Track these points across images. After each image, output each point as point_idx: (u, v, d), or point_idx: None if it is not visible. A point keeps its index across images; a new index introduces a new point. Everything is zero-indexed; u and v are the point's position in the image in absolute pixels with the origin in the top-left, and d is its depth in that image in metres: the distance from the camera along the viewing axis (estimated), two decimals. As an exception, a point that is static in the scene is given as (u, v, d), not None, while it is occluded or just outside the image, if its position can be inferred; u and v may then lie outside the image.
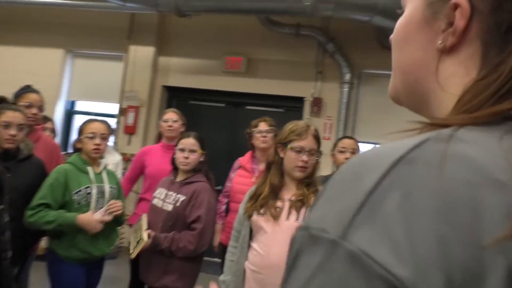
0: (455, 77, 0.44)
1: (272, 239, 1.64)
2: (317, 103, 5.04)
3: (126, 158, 5.18)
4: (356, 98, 5.06)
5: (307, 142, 1.70)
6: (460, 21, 0.42)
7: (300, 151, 1.68)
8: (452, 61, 0.45)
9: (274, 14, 4.45)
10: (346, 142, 2.55)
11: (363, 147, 5.17)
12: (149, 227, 2.12)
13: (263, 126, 2.65)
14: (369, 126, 5.03)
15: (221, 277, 1.86)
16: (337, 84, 5.06)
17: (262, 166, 2.59)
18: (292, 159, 1.70)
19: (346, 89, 4.93)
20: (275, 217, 1.66)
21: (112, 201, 2.18)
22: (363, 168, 0.37)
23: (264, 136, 2.61)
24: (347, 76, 4.94)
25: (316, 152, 1.71)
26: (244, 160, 2.71)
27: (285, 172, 1.75)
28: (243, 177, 2.60)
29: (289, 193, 1.73)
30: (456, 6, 0.42)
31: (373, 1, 3.88)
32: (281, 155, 1.76)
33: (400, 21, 0.50)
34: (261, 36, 5.21)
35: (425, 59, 0.47)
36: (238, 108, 5.57)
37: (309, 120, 5.08)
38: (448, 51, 0.44)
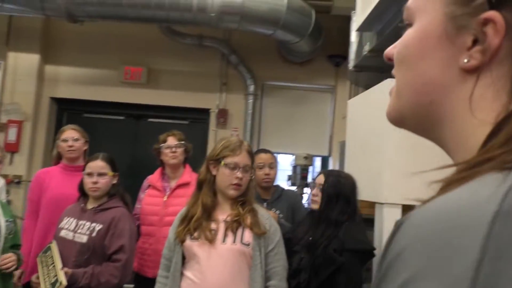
0: (483, 100, 0.40)
1: (208, 265, 1.53)
2: (223, 114, 5.01)
3: (8, 181, 4.52)
4: (260, 109, 5.16)
5: (241, 158, 1.63)
6: (494, 39, 0.38)
7: (234, 167, 1.61)
8: (478, 82, 0.40)
9: (178, 24, 4.31)
10: (263, 157, 2.48)
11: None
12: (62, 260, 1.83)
13: (171, 140, 2.47)
14: (273, 136, 5.16)
15: None
16: (242, 95, 5.10)
17: (173, 184, 2.45)
18: (226, 177, 1.61)
19: (250, 100, 5.00)
20: (211, 241, 1.55)
21: (4, 256, 1.83)
22: (453, 231, 0.31)
23: (174, 152, 2.44)
24: (251, 88, 5.01)
25: (250, 168, 1.65)
26: (153, 178, 2.51)
27: (218, 191, 1.66)
28: (154, 197, 2.40)
29: (224, 213, 1.64)
30: (486, 21, 0.38)
31: (277, 15, 4.00)
32: (213, 172, 1.66)
33: (411, 35, 0.45)
34: (162, 46, 5.02)
35: (445, 78, 0.42)
36: (140, 120, 5.27)
37: (215, 131, 5.03)
38: (473, 70, 0.40)
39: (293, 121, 5.17)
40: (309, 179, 4.59)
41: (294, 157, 4.58)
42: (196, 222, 1.59)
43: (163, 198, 2.40)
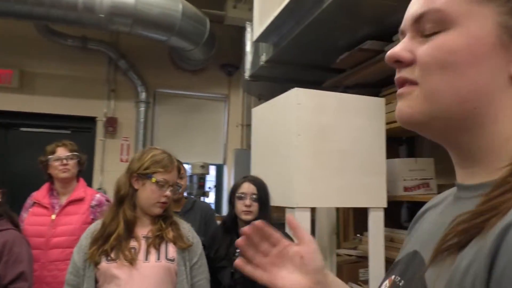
0: None
1: (130, 287, 1.39)
2: (112, 123, 4.68)
3: None
4: (152, 117, 4.95)
5: (172, 176, 1.52)
6: None
7: (163, 185, 1.50)
8: None
9: (60, 23, 3.89)
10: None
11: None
12: None
13: (62, 151, 2.19)
14: (167, 145, 4.98)
15: None
16: (133, 103, 4.83)
17: (64, 200, 2.18)
18: (153, 194, 1.48)
19: (142, 108, 4.76)
20: (132, 261, 1.41)
21: None
22: None
23: (65, 164, 2.17)
24: (143, 95, 4.78)
25: (176, 185, 1.55)
26: (39, 194, 2.18)
27: (138, 206, 1.51)
28: (39, 216, 2.09)
29: (143, 229, 1.50)
30: None
31: (172, 21, 3.89)
32: (136, 186, 1.51)
33: (456, 40, 0.44)
34: (38, 47, 4.49)
35: (493, 86, 0.43)
36: (10, 130, 4.60)
37: (104, 141, 4.67)
38: None
39: (187, 129, 5.08)
40: (206, 188, 4.55)
41: (190, 166, 4.49)
42: (116, 241, 1.43)
43: (51, 217, 2.11)
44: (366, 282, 2.50)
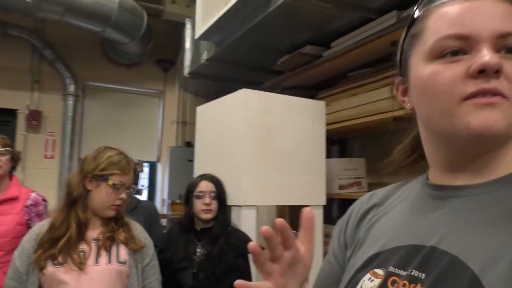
0: None
1: None
2: (36, 116, 4.34)
3: None
4: (81, 112, 4.68)
5: (129, 178, 1.47)
6: None
7: (119, 188, 1.44)
8: None
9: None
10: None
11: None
12: None
13: None
14: (97, 142, 4.75)
15: None
16: (59, 95, 4.53)
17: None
18: (108, 197, 1.41)
19: (70, 102, 4.48)
20: (80, 265, 1.34)
21: None
22: None
23: None
24: (71, 88, 4.50)
25: (131, 187, 1.50)
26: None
27: (89, 208, 1.44)
28: None
29: (94, 231, 1.44)
30: None
31: (108, 12, 3.72)
32: (89, 187, 1.44)
33: None
34: None
35: None
36: None
37: (26, 136, 4.32)
38: None
39: (119, 125, 4.88)
40: (139, 186, 4.42)
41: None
42: (65, 245, 1.35)
43: (-19, 219, 1.94)
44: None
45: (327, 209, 2.63)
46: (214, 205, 1.81)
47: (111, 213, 1.44)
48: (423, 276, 0.50)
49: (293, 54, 3.11)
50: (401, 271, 0.53)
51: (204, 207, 1.79)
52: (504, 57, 0.49)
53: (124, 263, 1.42)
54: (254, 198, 2.10)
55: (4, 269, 1.92)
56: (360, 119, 2.73)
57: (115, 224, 1.45)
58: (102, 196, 1.41)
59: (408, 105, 0.61)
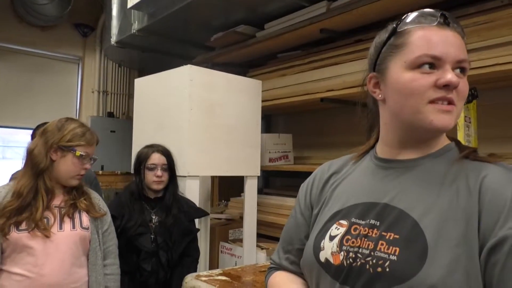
0: None
1: (45, 257, 1.36)
2: None
3: None
4: (-11, 75, 4.28)
5: (93, 149, 1.51)
6: None
7: (84, 158, 1.47)
8: None
9: None
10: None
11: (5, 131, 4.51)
12: None
13: None
14: (8, 108, 4.41)
15: None
16: (-37, 55, 4.08)
17: None
18: (73, 167, 1.45)
19: (-23, 63, 4.07)
20: (45, 231, 1.38)
21: None
22: None
23: None
24: (-22, 48, 4.08)
25: (93, 157, 1.54)
26: None
27: (53, 178, 1.47)
28: None
29: (57, 200, 1.47)
30: None
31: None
32: (54, 158, 1.45)
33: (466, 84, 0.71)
34: None
35: None
36: None
37: None
38: None
39: (32, 92, 4.56)
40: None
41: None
42: (31, 212, 1.37)
43: None
44: (234, 240, 2.85)
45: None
46: (165, 177, 1.92)
47: (75, 182, 1.49)
48: (378, 223, 0.71)
49: (227, 32, 3.23)
50: (361, 221, 0.74)
51: (155, 179, 1.90)
52: (459, 76, 0.70)
53: (87, 228, 1.50)
54: (197, 169, 2.25)
55: None
56: (290, 98, 2.99)
57: (76, 192, 1.51)
58: (67, 167, 1.46)
59: (380, 96, 0.80)
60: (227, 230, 2.90)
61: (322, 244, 0.76)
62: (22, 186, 1.42)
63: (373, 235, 0.70)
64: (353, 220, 0.75)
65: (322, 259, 0.75)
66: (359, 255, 0.70)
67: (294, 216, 0.92)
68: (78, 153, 1.46)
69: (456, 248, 0.62)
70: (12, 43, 4.42)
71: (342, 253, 0.72)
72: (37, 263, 1.37)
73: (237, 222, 2.98)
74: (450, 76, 0.68)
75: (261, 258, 2.50)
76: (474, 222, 0.63)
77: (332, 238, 0.75)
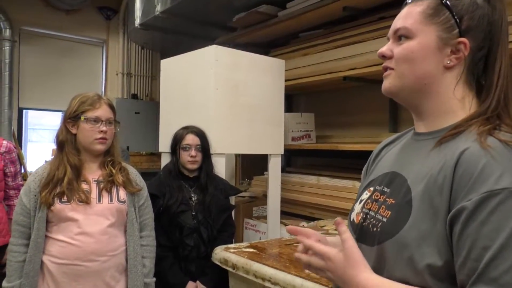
0: (451, 85, 0.77)
1: (86, 227, 1.46)
2: (-31, 62, 4.03)
3: None
4: (18, 58, 4.41)
5: (103, 111, 1.56)
6: (464, 52, 0.75)
7: (96, 121, 1.54)
8: (450, 75, 0.76)
9: None
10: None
11: (34, 114, 4.68)
12: None
13: None
14: (36, 91, 4.56)
15: (6, 284, 1.46)
16: (-6, 40, 4.22)
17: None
18: (88, 132, 1.52)
19: (7, 47, 4.21)
20: (86, 201, 1.48)
21: None
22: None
23: None
24: (7, 32, 4.21)
25: (113, 121, 1.61)
26: None
27: (82, 150, 1.56)
28: None
29: (93, 174, 1.56)
30: (461, 43, 0.74)
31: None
32: (73, 131, 1.54)
33: (415, 45, 0.76)
34: None
35: (435, 71, 0.76)
36: None
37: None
38: (450, 68, 0.76)
39: (59, 74, 4.69)
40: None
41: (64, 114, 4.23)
42: (68, 185, 1.47)
43: None
44: (258, 217, 2.94)
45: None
46: (199, 157, 1.99)
47: (98, 147, 1.56)
48: (387, 190, 0.80)
49: (249, 12, 3.25)
50: (378, 187, 0.83)
51: (190, 159, 1.97)
52: (397, 45, 0.79)
53: (123, 202, 1.59)
54: (223, 147, 2.31)
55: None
56: (312, 77, 3.01)
57: (113, 168, 1.59)
58: (83, 134, 1.54)
59: None
60: (251, 207, 2.98)
61: (354, 206, 0.88)
62: (52, 163, 1.53)
63: (380, 200, 0.80)
64: (376, 187, 0.84)
65: (351, 218, 0.87)
66: (368, 216, 0.81)
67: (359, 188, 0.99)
68: (83, 118, 1.53)
69: (433, 216, 0.67)
70: (39, 27, 4.54)
71: (361, 214, 0.83)
72: (79, 232, 1.47)
73: (261, 199, 3.06)
74: (380, 50, 0.80)
75: (285, 234, 2.57)
76: (446, 194, 0.67)
77: (360, 201, 0.86)
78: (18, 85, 4.39)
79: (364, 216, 0.82)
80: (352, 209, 0.89)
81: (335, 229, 2.29)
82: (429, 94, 0.78)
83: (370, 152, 1.01)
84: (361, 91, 3.21)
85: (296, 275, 1.43)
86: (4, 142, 2.14)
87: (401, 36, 0.78)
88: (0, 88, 4.21)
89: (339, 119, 3.45)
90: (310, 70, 3.04)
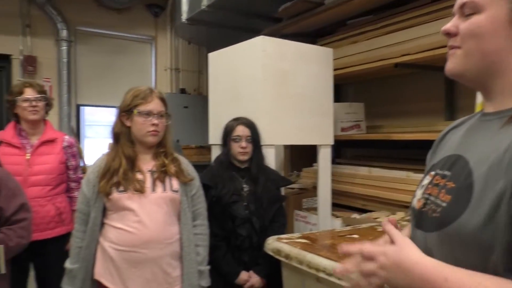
0: None
1: (143, 215, 1.52)
2: (31, 62, 4.30)
3: None
4: (74, 57, 4.64)
5: (154, 105, 1.61)
6: None
7: (148, 114, 1.59)
8: None
9: None
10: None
11: (89, 111, 4.91)
12: None
13: (30, 92, 2.11)
14: (91, 88, 4.78)
15: (68, 265, 1.57)
16: (52, 41, 4.46)
17: (35, 141, 2.15)
18: (141, 125, 1.58)
19: (64, 47, 4.43)
20: (141, 191, 1.54)
21: None
22: None
23: (34, 106, 2.10)
24: (64, 33, 4.43)
25: (165, 114, 1.66)
26: (7, 134, 2.08)
27: (136, 142, 1.61)
28: (12, 156, 2.03)
29: (147, 164, 1.61)
30: None
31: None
32: (128, 124, 1.60)
33: (483, 20, 0.71)
34: None
35: (506, 48, 0.70)
36: None
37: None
38: None
39: (112, 72, 4.88)
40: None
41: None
42: (123, 175, 1.53)
43: (25, 156, 2.07)
44: (308, 209, 2.91)
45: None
46: (250, 148, 2.00)
47: (150, 139, 1.61)
48: (449, 174, 0.76)
49: (294, 1, 3.20)
50: (440, 171, 0.80)
51: (240, 150, 1.98)
52: (463, 20, 0.73)
53: (176, 191, 1.62)
54: (272, 138, 2.30)
55: (53, 201, 2.10)
56: (362, 65, 2.92)
57: (165, 159, 1.64)
58: (137, 127, 1.60)
59: None
60: (300, 199, 2.96)
61: (416, 192, 0.85)
62: (109, 154, 1.60)
63: (441, 184, 0.76)
64: (437, 171, 0.81)
65: (412, 204, 0.85)
66: (428, 201, 0.77)
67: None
68: (136, 111, 1.58)
69: (496, 199, 0.62)
70: (93, 27, 4.74)
71: (422, 200, 0.80)
72: (136, 220, 1.53)
73: (310, 191, 3.03)
74: (444, 27, 0.75)
75: (336, 226, 2.53)
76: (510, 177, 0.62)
77: (422, 187, 0.83)
78: (75, 83, 4.62)
79: (424, 202, 0.79)
80: (414, 195, 0.86)
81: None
82: (497, 72, 0.72)
83: (424, 141, 0.97)
84: (414, 78, 3.07)
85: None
86: (66, 137, 2.26)
87: (468, 10, 0.73)
88: (60, 86, 4.45)
89: (390, 108, 3.33)
90: (360, 58, 2.95)
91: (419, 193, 0.83)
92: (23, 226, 1.64)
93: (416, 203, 0.82)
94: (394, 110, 3.30)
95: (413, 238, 0.78)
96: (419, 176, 0.97)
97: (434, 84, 2.97)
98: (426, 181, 0.83)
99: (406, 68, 2.68)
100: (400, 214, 2.45)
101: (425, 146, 1.02)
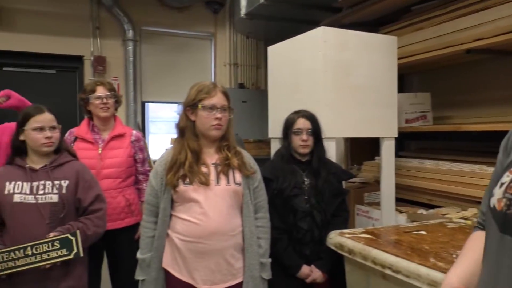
0: None
1: (208, 207, 1.56)
2: (101, 62, 4.57)
3: None
4: (140, 56, 4.87)
5: (218, 99, 1.64)
6: None
7: (212, 108, 1.63)
8: None
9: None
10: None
11: (152, 107, 5.13)
12: (26, 229, 1.61)
13: (101, 90, 2.25)
14: (155, 85, 4.99)
15: (140, 255, 1.65)
16: (119, 41, 4.71)
17: (106, 136, 2.28)
18: (205, 119, 1.62)
19: (130, 47, 4.66)
20: (206, 183, 1.58)
21: None
22: None
23: (105, 103, 2.24)
24: (130, 33, 4.66)
25: (228, 108, 1.69)
26: (81, 130, 2.25)
27: (200, 136, 1.66)
28: (86, 150, 2.19)
29: (211, 157, 1.66)
30: None
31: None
32: (192, 118, 1.65)
33: None
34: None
35: None
36: (-9, 70, 4.40)
37: (92, 81, 4.59)
38: None
39: (174, 69, 5.06)
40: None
41: (180, 106, 4.55)
42: (189, 167, 1.59)
43: (98, 151, 2.21)
44: (370, 204, 2.82)
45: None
46: (311, 141, 1.98)
47: (214, 132, 1.64)
48: None
49: (355, -10, 3.10)
50: None
51: (301, 143, 1.97)
52: None
53: (239, 184, 1.65)
54: (333, 130, 2.26)
55: (123, 192, 2.23)
56: (428, 53, 2.77)
57: (228, 152, 1.66)
58: (201, 121, 1.63)
59: None
60: (362, 193, 2.88)
61: (494, 190, 0.78)
62: (175, 148, 1.65)
63: None
64: None
65: (491, 204, 0.77)
66: None
67: (495, 168, 0.89)
68: (200, 106, 1.61)
69: None
70: (156, 26, 4.93)
71: (504, 200, 0.73)
72: (201, 212, 1.57)
73: (372, 185, 2.94)
74: None
75: (401, 221, 2.43)
76: None
77: (501, 185, 0.76)
78: (140, 81, 4.85)
79: (507, 203, 0.72)
80: (492, 194, 0.78)
81: (460, 218, 2.08)
82: None
83: (498, 132, 0.88)
84: (486, 64, 2.86)
85: (421, 264, 1.34)
86: (134, 131, 2.37)
87: None
88: (126, 84, 4.70)
89: (459, 97, 3.13)
90: (426, 45, 2.80)
91: (498, 192, 0.76)
92: (99, 216, 1.75)
93: (496, 203, 0.76)
94: (464, 99, 3.09)
95: (495, 242, 0.73)
96: (493, 170, 0.88)
97: (509, 71, 2.75)
98: (507, 178, 0.76)
99: (479, 53, 2.49)
100: (472, 210, 2.30)
101: (499, 138, 0.93)
